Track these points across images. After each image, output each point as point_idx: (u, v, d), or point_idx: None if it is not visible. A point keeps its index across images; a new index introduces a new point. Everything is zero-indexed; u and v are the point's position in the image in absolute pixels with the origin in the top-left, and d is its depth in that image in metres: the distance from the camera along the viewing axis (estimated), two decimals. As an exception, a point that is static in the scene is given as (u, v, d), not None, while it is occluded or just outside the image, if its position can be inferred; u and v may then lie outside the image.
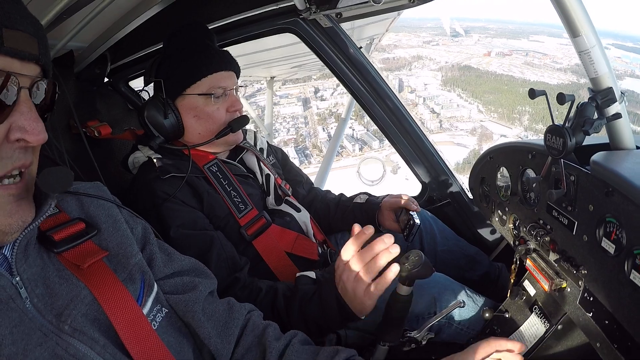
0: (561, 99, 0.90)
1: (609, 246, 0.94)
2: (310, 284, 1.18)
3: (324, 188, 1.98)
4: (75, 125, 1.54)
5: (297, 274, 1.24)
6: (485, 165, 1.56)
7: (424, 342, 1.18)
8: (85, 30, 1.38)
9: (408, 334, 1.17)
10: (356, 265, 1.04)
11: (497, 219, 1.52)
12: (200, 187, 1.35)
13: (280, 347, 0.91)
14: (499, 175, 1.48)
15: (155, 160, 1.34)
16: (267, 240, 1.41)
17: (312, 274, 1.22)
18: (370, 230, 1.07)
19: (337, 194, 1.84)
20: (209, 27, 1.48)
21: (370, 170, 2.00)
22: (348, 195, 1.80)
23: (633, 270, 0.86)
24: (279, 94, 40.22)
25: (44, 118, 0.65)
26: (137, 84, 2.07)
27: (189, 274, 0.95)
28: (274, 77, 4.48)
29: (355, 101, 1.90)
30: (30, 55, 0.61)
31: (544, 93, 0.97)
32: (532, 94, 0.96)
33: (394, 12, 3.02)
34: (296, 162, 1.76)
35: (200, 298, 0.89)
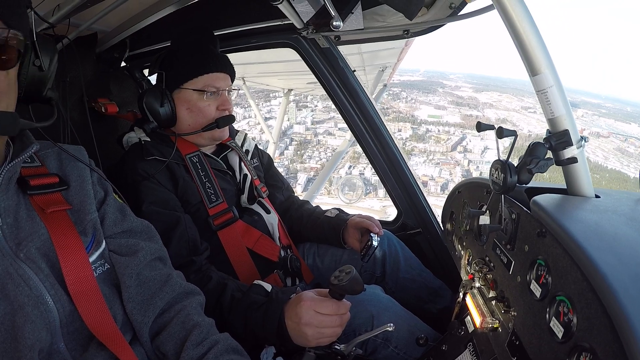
0: (500, 132, 0.86)
1: (536, 289, 0.86)
2: (262, 296, 1.16)
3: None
4: (87, 100, 1.62)
5: (255, 282, 1.22)
6: (454, 200, 1.50)
7: (350, 357, 1.11)
8: (109, 16, 1.47)
9: (336, 346, 1.11)
10: (331, 323, 1.05)
11: (456, 253, 1.44)
12: (177, 173, 1.38)
13: (195, 356, 0.89)
14: (463, 210, 1.41)
15: (143, 142, 1.39)
16: (231, 234, 1.42)
17: (268, 287, 1.19)
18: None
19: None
20: (216, 33, 1.54)
21: (349, 189, 1.98)
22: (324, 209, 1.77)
23: (554, 318, 0.79)
24: (340, 126, 33.98)
25: (3, 61, 0.72)
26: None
27: (137, 236, 0.97)
28: (291, 89, 4.55)
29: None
30: None
31: (492, 128, 0.93)
32: (479, 127, 0.93)
33: (401, 43, 3.03)
34: (298, 190, 1.77)
35: (134, 263, 0.90)
